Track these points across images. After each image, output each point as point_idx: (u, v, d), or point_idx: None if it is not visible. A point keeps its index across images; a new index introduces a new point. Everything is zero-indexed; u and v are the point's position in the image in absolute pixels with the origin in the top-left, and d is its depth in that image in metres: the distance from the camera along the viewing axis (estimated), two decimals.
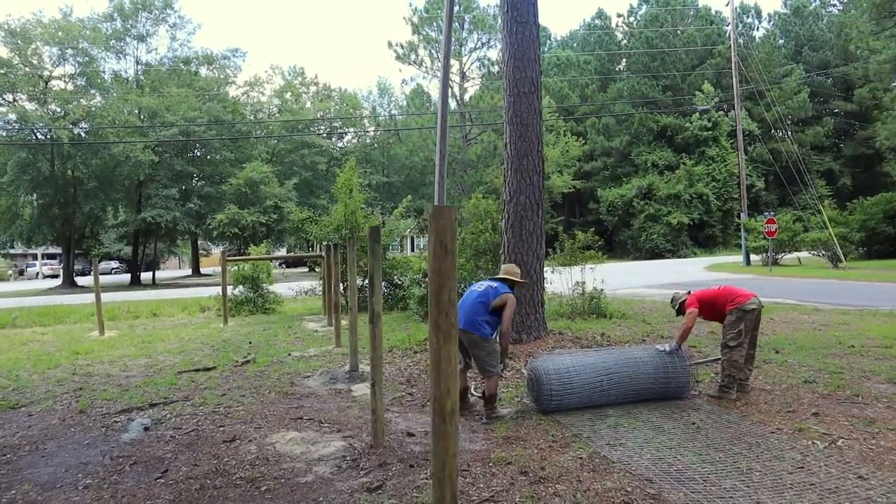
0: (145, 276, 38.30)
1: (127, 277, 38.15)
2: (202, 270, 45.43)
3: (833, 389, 6.08)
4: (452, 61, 41.16)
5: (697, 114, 48.17)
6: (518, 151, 8.29)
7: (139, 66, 37.41)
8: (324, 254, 14.50)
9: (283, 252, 50.29)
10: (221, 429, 5.37)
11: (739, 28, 59.04)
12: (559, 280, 11.84)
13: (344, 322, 10.05)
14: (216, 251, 60.90)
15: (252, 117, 41.74)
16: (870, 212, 29.28)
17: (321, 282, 14.96)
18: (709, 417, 5.48)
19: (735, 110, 27.55)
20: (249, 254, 17.21)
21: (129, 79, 37.12)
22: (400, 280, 15.08)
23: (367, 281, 14.96)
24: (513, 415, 5.62)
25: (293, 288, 16.26)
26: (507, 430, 5.21)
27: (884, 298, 13.60)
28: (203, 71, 39.47)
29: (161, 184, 33.21)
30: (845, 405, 5.65)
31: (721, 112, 49.03)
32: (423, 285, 12.97)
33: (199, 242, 46.40)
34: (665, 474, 4.14)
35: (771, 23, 60.56)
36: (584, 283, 12.31)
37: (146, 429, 5.42)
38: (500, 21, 8.63)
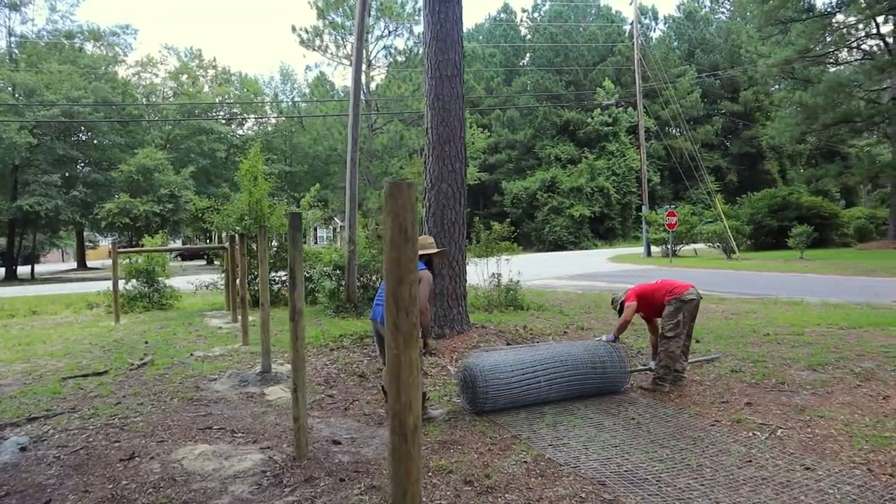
0: (22, 269, 35.05)
1: (1, 272, 34.80)
2: (89, 264, 42.22)
3: (759, 378, 6.15)
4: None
5: (599, 109, 49.73)
6: (440, 137, 7.94)
7: (12, 39, 34.09)
8: (226, 245, 13.61)
9: (178, 244, 47.60)
10: (117, 445, 4.69)
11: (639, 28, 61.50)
12: (474, 272, 11.62)
13: (251, 318, 9.37)
14: (104, 243, 56.90)
15: (144, 100, 39.08)
16: (757, 206, 31.18)
17: (223, 275, 14.06)
18: (647, 412, 5.37)
19: (637, 106, 28.51)
20: (143, 245, 15.92)
21: (1, 52, 33.74)
22: (308, 272, 14.40)
23: (273, 274, 14.21)
24: (444, 416, 5.29)
25: (192, 282, 15.18)
26: (441, 434, 4.86)
27: (777, 287, 14.35)
28: (89, 48, 36.49)
29: (41, 169, 30.38)
30: (773, 393, 5.71)
31: (620, 109, 50.85)
32: (334, 278, 12.40)
33: (85, 233, 43.05)
34: (617, 476, 3.92)
35: (666, 25, 63.45)
36: (500, 274, 12.19)
37: (23, 449, 4.65)
38: (422, 0, 8.22)
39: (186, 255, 44.08)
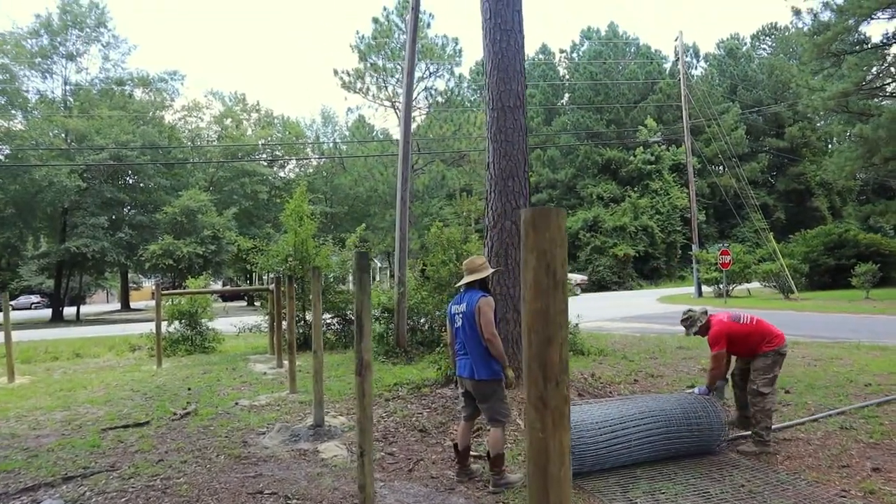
0: (69, 311, 35.48)
1: (48, 313, 35.24)
2: (132, 305, 42.70)
3: (878, 437, 5.37)
4: (398, 91, 40.60)
5: (641, 147, 49.04)
6: (502, 172, 7.44)
7: (67, 87, 35.18)
8: (271, 286, 13.26)
9: (220, 285, 47.85)
10: None
11: (679, 66, 61.06)
12: None
13: (299, 362, 8.87)
14: (147, 284, 57.76)
15: (189, 143, 39.87)
16: (811, 244, 29.91)
17: (267, 317, 13.67)
18: (755, 476, 4.64)
19: (686, 142, 27.75)
20: (186, 287, 15.71)
21: (56, 99, 34.82)
22: (353, 315, 13.93)
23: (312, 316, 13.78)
24: (523, 481, 4.63)
25: (235, 324, 14.83)
26: (524, 502, 4.21)
27: (850, 330, 13.33)
28: (138, 94, 37.50)
29: (88, 212, 30.90)
30: None
31: (663, 147, 50.09)
32: (382, 321, 11.90)
33: (129, 275, 43.68)
34: None
35: (707, 63, 62.81)
36: None
37: None
38: (481, 29, 7.83)
39: (227, 296, 44.25)
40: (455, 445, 4.84)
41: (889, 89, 28.38)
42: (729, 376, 5.53)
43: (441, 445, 5.67)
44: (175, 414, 7.09)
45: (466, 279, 4.80)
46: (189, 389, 8.79)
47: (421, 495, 4.47)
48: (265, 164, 42.11)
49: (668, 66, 58.69)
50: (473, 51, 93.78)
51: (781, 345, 5.24)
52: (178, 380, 9.74)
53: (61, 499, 4.43)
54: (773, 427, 5.39)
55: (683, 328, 5.58)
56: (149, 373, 10.77)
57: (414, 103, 41.34)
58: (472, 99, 54.23)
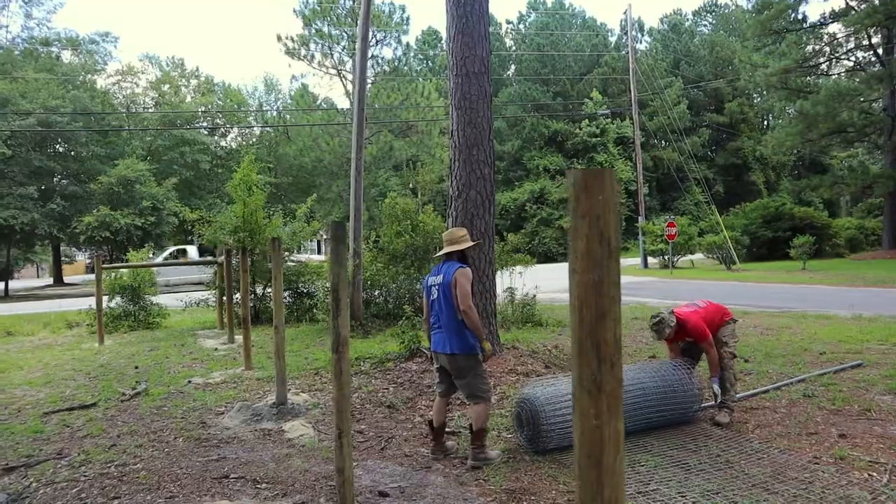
0: None
1: None
2: (66, 280, 40.77)
3: (840, 404, 5.49)
4: (345, 59, 39.60)
5: (586, 120, 49.48)
6: (467, 140, 7.22)
7: None
8: (220, 259, 12.76)
9: (159, 259, 46.03)
10: (116, 503, 3.87)
11: (625, 40, 61.63)
12: None
13: (252, 337, 8.53)
14: (81, 258, 55.26)
15: (124, 110, 37.92)
16: (750, 216, 30.86)
17: (215, 292, 13.17)
18: (729, 446, 4.67)
19: (633, 116, 28.06)
20: (128, 260, 14.96)
21: None
22: (305, 288, 13.59)
23: (269, 290, 13.37)
24: (503, 457, 4.52)
25: (181, 299, 14.25)
26: (505, 480, 4.11)
27: (794, 300, 13.77)
28: (66, 56, 35.32)
29: (15, 181, 29.05)
30: (863, 423, 5.06)
31: (608, 120, 50.67)
32: None
33: (61, 248, 41.60)
34: None
35: (651, 37, 63.57)
36: (514, 288, 11.50)
37: None
38: None
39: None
40: (430, 423, 4.69)
41: (823, 68, 29.38)
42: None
43: (411, 422, 5.51)
44: (124, 394, 6.70)
45: (445, 250, 4.62)
46: (136, 368, 8.35)
47: (397, 474, 4.30)
48: (206, 132, 40.49)
49: (613, 39, 59.23)
50: (421, 19, 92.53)
51: (732, 314, 5.54)
52: (124, 358, 9.26)
53: (3, 492, 4.06)
54: (739, 396, 5.52)
55: (654, 333, 5.21)
56: (90, 351, 10.21)
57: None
58: (417, 69, 53.51)
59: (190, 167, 38.04)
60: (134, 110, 38.56)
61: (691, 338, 5.26)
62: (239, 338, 10.64)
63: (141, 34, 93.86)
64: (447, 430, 4.91)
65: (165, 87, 39.58)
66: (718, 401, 5.22)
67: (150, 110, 39.15)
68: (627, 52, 56.06)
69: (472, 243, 4.74)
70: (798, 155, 53.64)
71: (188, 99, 40.90)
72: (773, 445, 4.67)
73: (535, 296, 11.36)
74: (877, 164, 39.14)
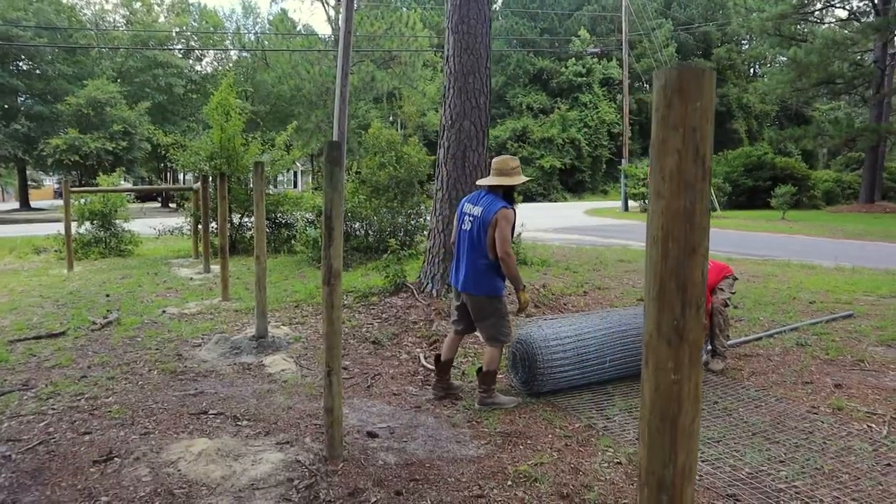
0: None
1: None
2: (32, 204, 39.59)
3: (834, 355, 5.40)
4: None
5: (573, 59, 48.45)
6: (463, 67, 6.79)
7: None
8: (195, 185, 12.27)
9: (130, 184, 44.76)
10: (87, 438, 3.61)
11: None
12: None
13: (230, 268, 8.21)
14: (49, 182, 53.68)
15: (93, 28, 36.03)
16: (733, 164, 30.80)
17: (190, 219, 12.73)
18: (727, 394, 4.56)
19: (623, 56, 27.37)
20: (97, 184, 14.35)
21: None
22: (283, 218, 13.21)
23: (246, 219, 12.96)
24: (517, 404, 4.25)
25: (154, 226, 13.77)
26: (499, 423, 3.94)
27: (775, 249, 13.78)
28: None
29: None
30: (857, 373, 4.99)
31: (595, 60, 49.68)
32: (318, 225, 11.26)
33: (28, 172, 40.20)
34: (742, 485, 3.12)
35: None
36: None
37: None
38: None
39: (141, 196, 41.75)
40: (437, 356, 4.42)
41: (817, 15, 28.80)
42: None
43: (397, 359, 5.31)
44: (95, 323, 6.39)
45: (492, 180, 4.10)
46: (107, 296, 8.01)
47: (385, 414, 4.11)
48: (180, 55, 38.77)
49: None
50: None
51: (732, 272, 5.42)
52: (94, 285, 8.90)
53: None
54: (731, 342, 5.44)
55: None
56: (59, 277, 9.81)
57: None
58: None
59: (163, 91, 36.61)
60: (103, 28, 36.66)
61: None
62: (215, 267, 10.33)
63: None
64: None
65: (137, 5, 37.59)
66: (708, 348, 5.12)
67: (120, 29, 37.25)
68: None
69: (525, 179, 4.23)
70: (782, 105, 53.37)
71: (161, 19, 38.95)
72: (769, 393, 4.56)
73: (520, 234, 11.12)
74: (858, 118, 39.15)
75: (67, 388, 4.43)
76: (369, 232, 11.54)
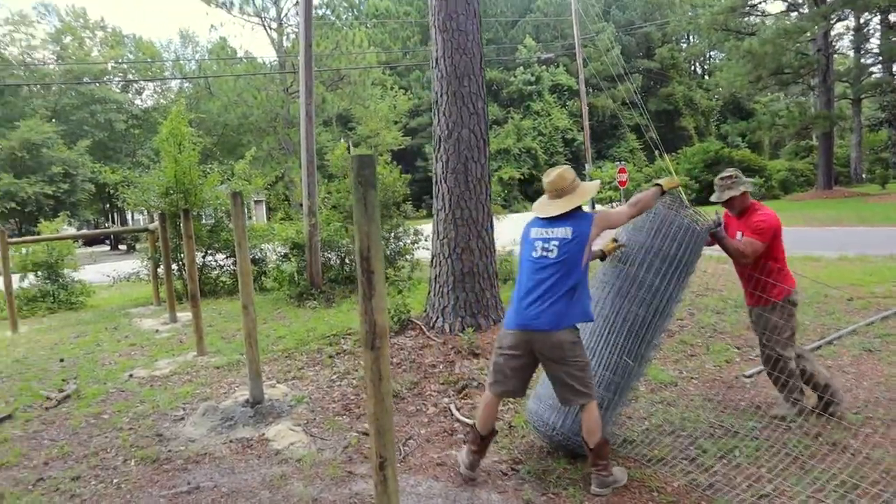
0: None
1: None
2: None
3: None
4: (269, 5, 36.96)
5: (521, 68, 48.45)
6: (456, 69, 6.03)
7: None
8: (150, 226, 11.18)
9: (74, 229, 42.40)
10: None
11: None
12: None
13: (202, 314, 7.21)
14: None
15: (21, 66, 34.14)
16: (693, 161, 30.87)
17: (148, 263, 11.58)
18: (824, 421, 3.83)
19: (577, 59, 27.11)
20: (38, 233, 13.06)
21: None
22: (251, 253, 12.17)
23: (209, 258, 11.90)
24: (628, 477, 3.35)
25: (108, 273, 12.54)
26: (581, 494, 3.14)
27: None
28: None
29: None
30: None
31: (542, 67, 49.80)
32: (295, 259, 10.31)
33: None
34: None
35: None
36: None
37: None
38: None
39: (87, 241, 39.65)
40: (473, 426, 3.53)
41: (761, 8, 29.20)
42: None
43: (425, 414, 4.46)
44: (49, 399, 5.34)
45: (558, 209, 3.30)
46: (62, 361, 6.90)
47: (437, 494, 3.27)
48: (118, 89, 37.07)
49: None
50: None
51: (793, 289, 3.92)
52: (44, 348, 7.75)
53: None
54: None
55: (718, 186, 3.96)
56: (1, 341, 8.60)
57: (285, 20, 37.88)
58: (343, 17, 50.75)
59: (103, 128, 34.86)
60: (32, 65, 34.76)
61: (752, 237, 3.77)
62: (182, 315, 9.30)
63: None
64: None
65: (67, 40, 35.78)
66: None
67: (50, 65, 35.40)
68: None
69: (597, 185, 3.47)
70: (726, 100, 54.33)
71: (95, 52, 37.23)
72: (873, 417, 3.89)
73: (511, 251, 10.39)
74: (794, 107, 39.93)
75: (20, 500, 3.43)
76: (345, 261, 10.66)
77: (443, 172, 6.10)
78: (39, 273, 11.62)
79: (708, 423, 3.96)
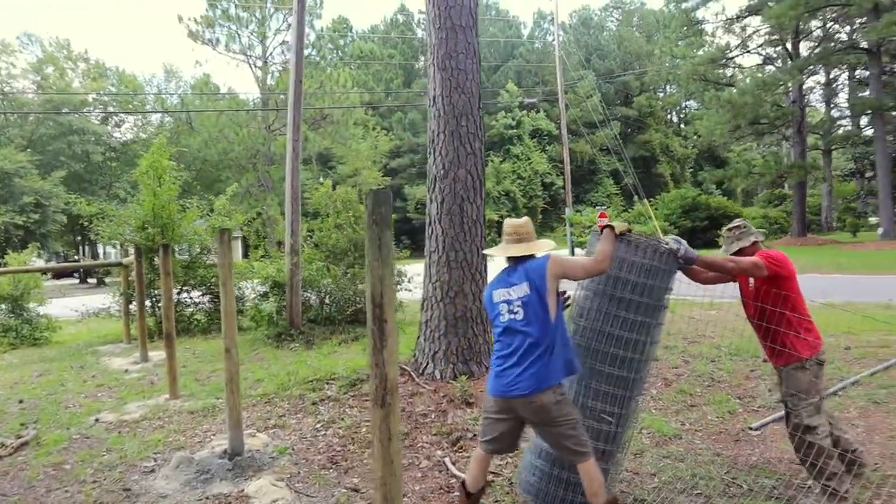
0: None
1: None
2: None
3: None
4: (255, 43, 37.09)
5: (503, 112, 49.14)
6: (454, 108, 5.89)
7: None
8: (124, 259, 10.79)
9: (43, 262, 41.33)
10: None
11: (537, 33, 61.91)
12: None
13: (175, 352, 6.83)
14: None
15: (0, 93, 33.67)
16: (671, 207, 31.26)
17: (119, 298, 11.13)
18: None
19: (560, 104, 27.48)
20: (5, 264, 12.54)
21: None
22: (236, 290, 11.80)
23: (185, 294, 11.50)
24: None
25: (76, 308, 12.05)
26: None
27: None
28: None
29: None
30: None
31: (523, 112, 50.55)
32: (275, 298, 9.97)
33: None
34: None
35: (564, 31, 64.21)
36: None
37: None
38: None
39: (56, 273, 38.61)
40: (463, 483, 3.31)
41: (737, 61, 30.08)
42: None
43: (417, 467, 4.15)
44: (3, 446, 4.92)
45: (513, 250, 3.19)
46: (21, 402, 6.45)
47: None
48: (97, 121, 36.66)
49: (525, 31, 59.22)
50: (333, 4, 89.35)
51: (820, 348, 3.52)
52: (3, 387, 7.28)
53: None
54: None
55: (726, 238, 3.71)
56: None
57: (270, 58, 38.06)
58: (328, 58, 51.29)
59: (79, 159, 34.33)
60: (10, 94, 34.28)
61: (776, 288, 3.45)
62: (154, 354, 8.87)
63: (16, 10, 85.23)
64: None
65: (49, 70, 35.44)
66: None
67: (29, 94, 34.95)
68: (540, 45, 56.27)
69: (547, 248, 3.24)
70: (701, 148, 55.58)
71: (76, 84, 36.91)
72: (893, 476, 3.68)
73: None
74: (770, 156, 40.91)
75: None
76: (325, 302, 10.34)
77: (437, 213, 5.89)
78: (3, 306, 11.10)
79: (721, 480, 3.73)
